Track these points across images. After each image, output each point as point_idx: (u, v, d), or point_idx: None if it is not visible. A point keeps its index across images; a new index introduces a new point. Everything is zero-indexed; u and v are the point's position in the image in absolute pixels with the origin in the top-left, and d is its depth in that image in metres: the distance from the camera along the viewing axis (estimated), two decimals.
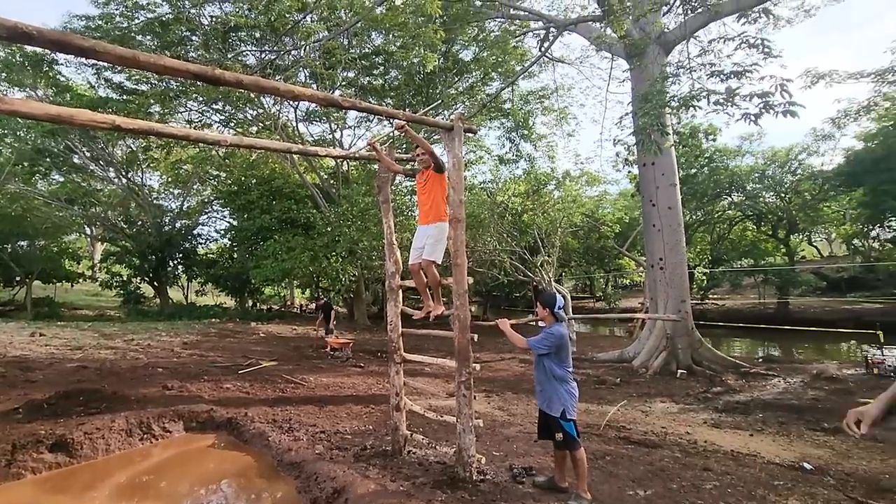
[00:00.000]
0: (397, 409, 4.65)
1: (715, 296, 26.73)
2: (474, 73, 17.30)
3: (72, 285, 24.99)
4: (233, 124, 19.31)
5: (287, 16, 12.38)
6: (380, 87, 17.25)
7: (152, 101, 16.18)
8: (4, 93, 17.44)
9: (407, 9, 12.29)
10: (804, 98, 17.17)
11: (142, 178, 24.18)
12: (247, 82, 3.23)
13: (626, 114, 9.73)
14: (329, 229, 16.91)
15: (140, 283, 23.83)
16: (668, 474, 4.32)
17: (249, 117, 19.02)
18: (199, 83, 12.32)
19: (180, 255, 24.27)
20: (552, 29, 12.91)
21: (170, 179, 25.35)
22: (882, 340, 10.47)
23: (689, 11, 9.20)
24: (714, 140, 19.14)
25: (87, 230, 28.57)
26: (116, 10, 14.22)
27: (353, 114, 19.95)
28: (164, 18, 14.17)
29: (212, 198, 25.97)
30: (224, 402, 6.60)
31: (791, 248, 24.57)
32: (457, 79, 17.62)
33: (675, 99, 8.19)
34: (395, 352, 4.69)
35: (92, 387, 6.64)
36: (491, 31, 15.42)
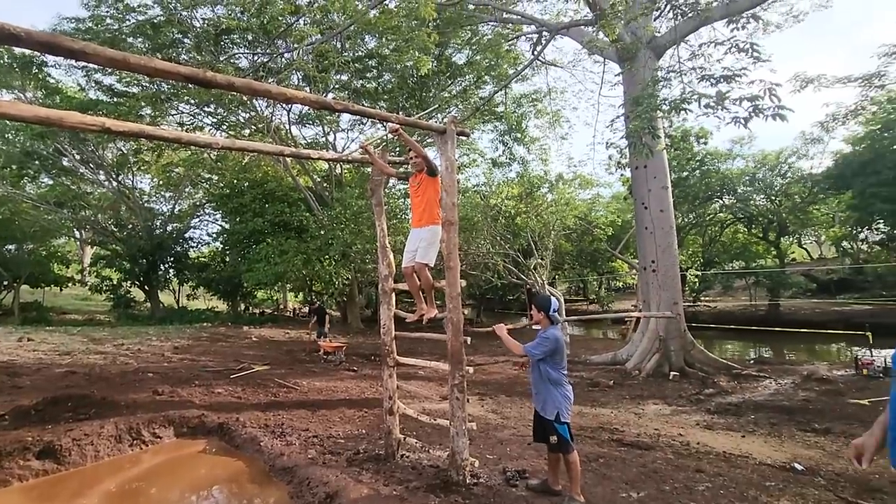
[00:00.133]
0: (390, 412, 4.63)
1: (707, 298, 26.95)
2: (467, 77, 17.34)
3: (60, 289, 24.66)
4: (225, 127, 19.21)
5: (280, 19, 12.36)
6: (373, 90, 17.25)
7: (143, 103, 16.07)
8: None
9: (400, 12, 12.31)
10: (793, 102, 17.43)
11: (132, 181, 23.96)
12: (238, 85, 3.22)
13: (618, 116, 9.80)
14: (322, 232, 16.85)
15: (130, 287, 23.59)
16: (660, 476, 4.33)
17: (242, 120, 18.94)
18: (190, 86, 12.25)
19: (171, 259, 24.08)
20: (544, 33, 12.99)
21: (161, 182, 25.13)
22: (871, 341, 10.58)
23: (680, 16, 9.29)
24: (705, 143, 19.35)
25: (77, 234, 28.31)
26: (107, 12, 14.13)
27: (346, 117, 19.92)
28: (155, 21, 14.08)
29: (204, 201, 25.78)
30: (215, 407, 6.54)
31: (781, 251, 24.84)
32: (450, 82, 17.67)
33: (666, 102, 8.26)
34: (389, 355, 4.68)
35: (81, 392, 6.55)
36: (484, 35, 15.49)
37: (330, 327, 13.75)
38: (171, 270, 24.51)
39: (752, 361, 12.04)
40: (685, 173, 20.94)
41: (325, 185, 21.24)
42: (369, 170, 5.55)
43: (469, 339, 4.01)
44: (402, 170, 5.17)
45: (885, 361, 9.33)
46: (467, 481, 3.89)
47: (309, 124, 20.39)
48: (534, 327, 4.05)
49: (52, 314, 21.49)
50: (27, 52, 15.13)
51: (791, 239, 27.35)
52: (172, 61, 12.26)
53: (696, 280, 23.98)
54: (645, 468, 4.52)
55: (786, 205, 22.22)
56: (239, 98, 16.14)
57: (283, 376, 8.97)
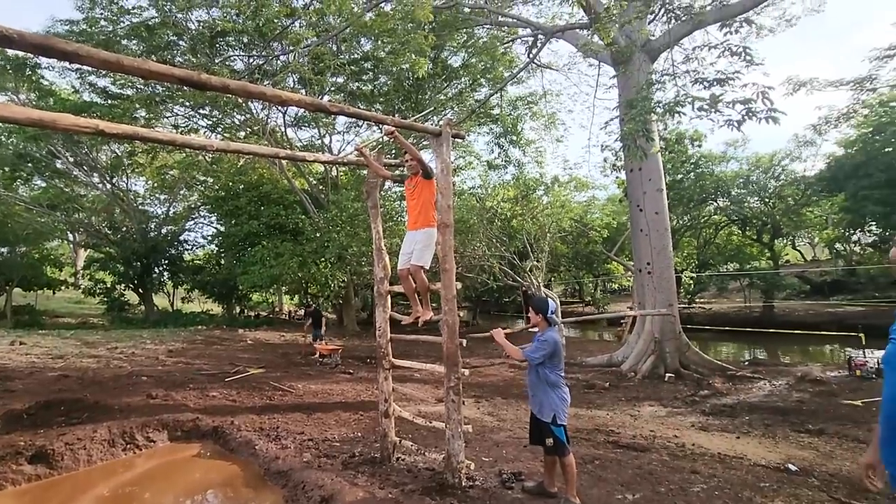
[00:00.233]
0: (386, 415, 4.61)
1: (702, 300, 27.07)
2: (463, 79, 17.39)
3: (53, 293, 24.48)
4: (220, 129, 19.16)
5: (275, 21, 12.36)
6: (369, 92, 17.26)
7: (138, 105, 16.02)
8: None
9: (396, 15, 12.33)
10: (786, 105, 17.59)
11: (127, 184, 23.84)
12: (233, 87, 3.21)
13: (612, 119, 9.87)
14: (318, 235, 16.82)
15: (124, 289, 23.44)
16: (656, 478, 4.34)
17: (237, 122, 18.90)
18: (185, 88, 12.22)
19: (166, 262, 23.95)
20: (540, 36, 13.05)
21: (155, 185, 25.03)
22: (864, 343, 10.65)
23: (674, 20, 9.36)
24: (700, 146, 19.46)
25: (70, 236, 28.08)
26: (101, 14, 14.08)
27: (342, 119, 19.93)
28: (150, 23, 14.04)
29: (199, 203, 25.68)
30: (210, 411, 6.50)
31: (775, 253, 25.00)
32: (446, 85, 17.70)
33: (660, 105, 8.32)
34: (384, 358, 4.67)
35: (73, 396, 6.50)
36: (480, 38, 15.54)
37: (326, 330, 13.72)
38: (165, 273, 24.39)
39: (746, 363, 12.09)
40: (680, 176, 21.04)
41: (320, 187, 21.22)
42: (365, 172, 5.55)
43: (465, 341, 4.00)
44: (397, 172, 5.18)
45: (877, 363, 9.39)
46: (463, 484, 3.89)
47: (305, 126, 20.39)
48: (530, 330, 4.05)
49: (45, 318, 21.33)
50: (21, 53, 15.05)
51: (785, 241, 27.52)
52: (167, 63, 12.24)
53: (691, 282, 24.07)
54: (640, 470, 4.53)
55: (779, 207, 22.37)
56: (234, 100, 16.11)
57: (278, 379, 8.93)
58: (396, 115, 14.98)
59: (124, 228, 23.35)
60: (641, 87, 9.09)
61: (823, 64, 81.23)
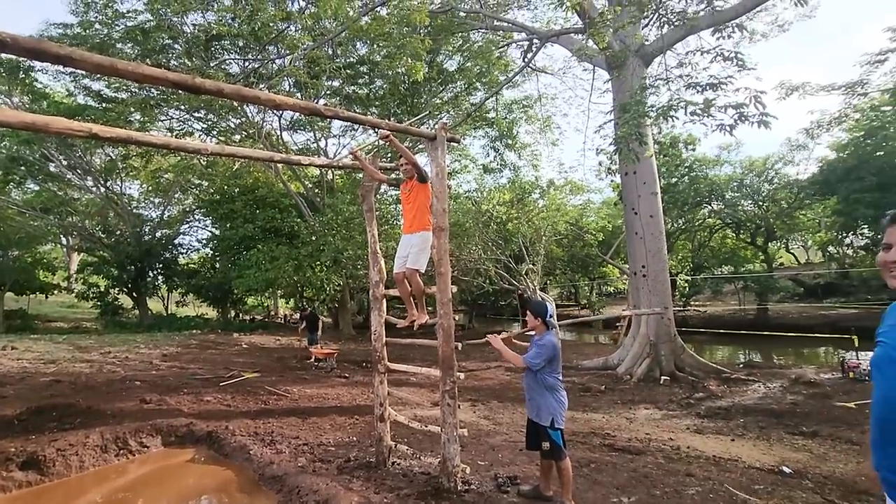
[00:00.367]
0: (381, 419, 4.60)
1: (697, 302, 27.15)
2: (458, 83, 17.44)
3: (46, 297, 24.25)
4: (215, 133, 19.11)
5: (270, 25, 12.36)
6: (364, 96, 17.28)
7: (132, 109, 15.95)
8: None
9: (392, 19, 12.37)
10: (778, 109, 17.77)
11: (121, 187, 23.71)
12: (228, 91, 3.21)
13: (606, 122, 9.93)
14: (313, 238, 16.78)
15: (118, 294, 23.24)
16: (651, 481, 4.35)
17: (233, 126, 18.86)
18: (180, 91, 12.19)
19: (160, 266, 23.79)
20: (535, 40, 13.12)
21: (150, 188, 24.92)
22: (857, 345, 10.72)
23: (667, 25, 9.45)
24: (693, 150, 19.56)
25: (64, 240, 27.88)
26: (96, 17, 14.03)
27: (337, 123, 19.90)
28: (145, 26, 14.01)
29: (193, 207, 25.58)
30: (204, 416, 6.46)
31: (769, 256, 25.16)
32: (441, 88, 17.75)
33: (654, 109, 8.38)
34: (380, 361, 4.66)
35: (66, 402, 6.45)
36: (475, 42, 15.62)
37: (321, 333, 13.67)
38: (159, 277, 24.21)
39: (741, 365, 12.14)
40: (674, 179, 21.17)
41: (316, 190, 21.19)
42: (361, 176, 5.55)
43: (460, 344, 4.01)
44: (393, 176, 5.18)
45: (870, 365, 9.45)
46: (458, 488, 3.88)
47: (300, 130, 20.38)
48: (528, 333, 4.05)
49: (38, 322, 21.13)
50: (14, 56, 14.96)
51: (778, 244, 27.72)
52: (162, 67, 12.21)
53: (686, 285, 24.17)
54: (636, 473, 4.54)
55: (773, 210, 22.54)
56: (229, 104, 16.07)
57: (273, 383, 8.89)
58: (392, 119, 15.06)
59: (118, 232, 23.20)
60: (635, 91, 9.17)
61: (816, 69, 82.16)
